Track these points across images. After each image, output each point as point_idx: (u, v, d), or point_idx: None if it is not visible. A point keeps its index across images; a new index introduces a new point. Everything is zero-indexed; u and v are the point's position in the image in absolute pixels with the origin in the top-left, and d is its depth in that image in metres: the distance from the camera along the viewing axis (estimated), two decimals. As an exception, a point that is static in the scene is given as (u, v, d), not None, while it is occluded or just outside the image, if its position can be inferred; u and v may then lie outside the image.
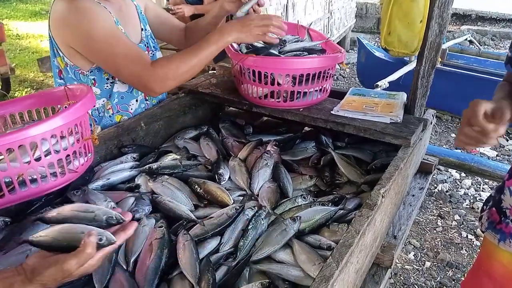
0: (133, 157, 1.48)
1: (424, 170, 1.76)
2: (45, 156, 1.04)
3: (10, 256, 1.02)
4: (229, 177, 1.42)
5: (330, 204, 1.28)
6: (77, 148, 1.12)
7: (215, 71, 2.08)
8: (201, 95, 1.82)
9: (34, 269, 0.76)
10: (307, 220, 1.20)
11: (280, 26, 1.41)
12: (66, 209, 0.97)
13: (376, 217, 1.10)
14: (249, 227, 1.15)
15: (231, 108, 2.06)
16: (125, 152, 1.52)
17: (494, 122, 0.96)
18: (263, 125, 1.94)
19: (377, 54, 5.39)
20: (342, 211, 1.26)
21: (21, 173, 1.02)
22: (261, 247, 1.12)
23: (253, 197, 1.33)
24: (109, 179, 1.34)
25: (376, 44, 7.13)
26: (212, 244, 1.12)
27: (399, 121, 1.48)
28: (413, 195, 1.62)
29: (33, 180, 1.04)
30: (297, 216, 1.19)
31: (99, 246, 0.81)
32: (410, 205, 1.56)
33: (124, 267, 1.04)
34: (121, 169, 1.40)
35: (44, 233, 0.87)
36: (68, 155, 1.09)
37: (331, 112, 1.55)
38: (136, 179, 1.38)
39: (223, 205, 1.26)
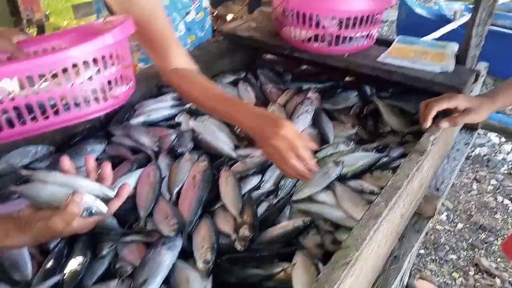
0: (173, 97, 1.47)
1: (470, 126, 1.68)
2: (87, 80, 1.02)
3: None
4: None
5: (373, 151, 1.25)
6: (119, 74, 1.09)
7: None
8: (239, 39, 1.77)
9: (26, 221, 0.74)
10: (350, 165, 1.18)
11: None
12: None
13: (424, 163, 1.06)
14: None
15: (268, 55, 2.00)
16: (165, 92, 1.51)
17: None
18: (302, 73, 1.88)
19: (419, 11, 5.12)
20: (386, 158, 1.22)
21: (65, 95, 1.01)
22: (302, 188, 1.11)
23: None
24: (150, 115, 1.35)
25: (417, 0, 6.76)
26: (253, 181, 1.11)
27: (450, 70, 1.40)
28: (458, 150, 1.55)
29: (77, 104, 1.03)
30: (339, 160, 1.16)
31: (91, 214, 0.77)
32: (454, 159, 1.50)
33: (167, 197, 1.05)
34: (161, 107, 1.40)
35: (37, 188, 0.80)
36: (110, 81, 1.07)
37: (378, 59, 1.48)
38: (176, 118, 1.38)
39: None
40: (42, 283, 0.86)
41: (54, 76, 1.00)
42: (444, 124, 1.14)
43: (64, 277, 0.88)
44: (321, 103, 1.52)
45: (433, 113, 1.13)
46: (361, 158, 1.20)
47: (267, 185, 1.11)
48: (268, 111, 1.10)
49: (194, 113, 1.37)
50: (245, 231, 0.94)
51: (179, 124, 1.32)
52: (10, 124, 0.93)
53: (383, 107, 1.46)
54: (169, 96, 1.47)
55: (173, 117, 1.39)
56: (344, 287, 0.73)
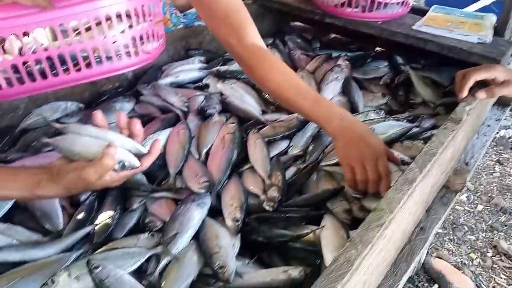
0: (200, 60, 1.46)
1: (502, 102, 1.63)
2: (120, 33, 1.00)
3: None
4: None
5: (404, 121, 1.22)
6: (151, 29, 1.07)
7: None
8: (269, 3, 1.73)
9: (58, 171, 0.75)
10: (380, 133, 1.15)
11: None
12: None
13: (459, 133, 1.03)
14: (319, 133, 1.11)
15: (296, 22, 1.96)
16: (192, 55, 1.49)
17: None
18: (331, 42, 1.83)
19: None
20: (417, 128, 1.19)
21: (97, 48, 0.99)
22: (330, 154, 1.09)
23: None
24: (178, 77, 1.34)
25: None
26: (281, 146, 1.10)
27: (488, 41, 1.35)
28: (489, 126, 1.51)
29: (108, 58, 1.02)
30: (369, 128, 1.14)
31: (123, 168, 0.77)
32: (485, 135, 1.46)
33: (196, 157, 1.05)
34: (189, 69, 1.39)
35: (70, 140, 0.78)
36: (142, 36, 1.06)
37: (412, 27, 1.43)
38: (204, 80, 1.36)
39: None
40: (73, 233, 0.88)
41: (87, 29, 0.99)
42: (482, 94, 1.10)
43: (95, 229, 0.89)
44: (351, 72, 1.49)
45: (471, 83, 1.09)
46: (392, 127, 1.17)
47: (295, 150, 1.10)
48: (351, 114, 1.01)
49: (221, 76, 1.36)
50: (273, 193, 0.94)
51: (207, 86, 1.31)
52: (43, 75, 0.94)
53: (416, 77, 1.42)
54: (196, 58, 1.46)
55: (200, 79, 1.38)
56: (377, 248, 0.72)
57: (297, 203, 0.96)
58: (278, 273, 0.81)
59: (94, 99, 1.27)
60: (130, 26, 1.02)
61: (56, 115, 1.18)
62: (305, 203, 0.97)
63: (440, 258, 2.31)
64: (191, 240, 0.85)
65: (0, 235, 0.87)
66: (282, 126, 1.14)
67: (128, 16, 1.00)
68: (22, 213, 0.96)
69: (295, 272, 0.81)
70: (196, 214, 0.88)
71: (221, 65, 1.45)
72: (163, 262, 0.80)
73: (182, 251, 0.82)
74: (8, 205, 0.95)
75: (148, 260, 0.82)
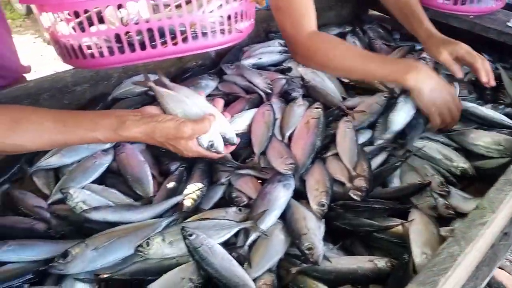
0: (280, 43, 1.46)
1: None
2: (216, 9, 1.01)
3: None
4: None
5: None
6: (244, 7, 1.08)
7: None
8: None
9: (154, 115, 0.77)
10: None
11: None
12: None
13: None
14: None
15: (374, 12, 1.90)
16: (272, 38, 1.49)
17: None
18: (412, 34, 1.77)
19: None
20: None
21: (195, 22, 1.01)
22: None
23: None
24: (260, 58, 1.35)
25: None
26: (364, 136, 1.09)
27: None
28: None
29: (204, 34, 1.03)
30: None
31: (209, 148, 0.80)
32: None
33: (279, 139, 1.06)
34: (270, 51, 1.40)
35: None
36: (236, 14, 1.06)
37: (508, 23, 1.35)
38: (285, 63, 1.37)
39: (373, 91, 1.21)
40: (165, 201, 0.91)
41: (179, 5, 1.00)
42: None
43: (184, 199, 0.93)
44: (435, 66, 1.43)
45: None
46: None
47: (379, 141, 1.08)
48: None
49: (302, 61, 1.35)
50: (361, 182, 0.93)
51: (289, 69, 1.31)
52: (142, 46, 0.97)
53: (506, 77, 1.34)
54: (276, 41, 1.46)
55: (280, 62, 1.39)
56: (477, 245, 0.70)
57: (381, 195, 0.95)
58: (364, 261, 0.81)
59: (179, 74, 1.31)
60: (227, 3, 1.03)
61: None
62: (389, 195, 0.96)
63: (502, 269, 2.21)
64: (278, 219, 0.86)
65: (97, 196, 0.93)
66: (366, 115, 1.12)
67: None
68: (114, 177, 1.02)
69: (381, 262, 0.80)
70: (282, 194, 0.89)
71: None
72: (252, 237, 0.82)
73: (269, 229, 0.84)
74: (102, 168, 1.01)
75: (235, 233, 0.85)
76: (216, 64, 1.35)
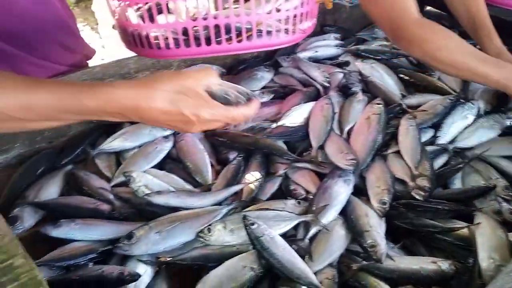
0: (336, 37, 1.44)
1: None
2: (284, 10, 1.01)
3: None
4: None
5: None
6: (310, 8, 1.08)
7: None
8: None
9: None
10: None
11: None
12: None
13: None
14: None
15: (429, 7, 1.84)
16: (327, 31, 1.47)
17: None
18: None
19: None
20: None
21: (261, 22, 1.01)
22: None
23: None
24: (316, 52, 1.34)
25: None
26: (427, 134, 1.06)
27: None
28: None
29: (268, 33, 1.04)
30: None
31: None
32: None
33: (339, 133, 1.05)
34: (326, 45, 1.38)
35: None
36: (302, 14, 1.06)
37: None
38: (341, 58, 1.35)
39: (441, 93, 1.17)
40: (225, 189, 0.93)
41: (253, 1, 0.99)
42: None
43: (243, 189, 0.93)
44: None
45: None
46: None
47: (442, 141, 1.04)
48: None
49: (359, 55, 1.33)
50: (424, 182, 0.91)
51: (346, 63, 1.29)
52: (207, 41, 0.98)
53: None
54: (332, 35, 1.44)
55: (336, 56, 1.37)
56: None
57: (443, 196, 0.92)
58: (427, 262, 0.79)
59: (234, 66, 1.32)
60: (294, 3, 1.01)
61: (202, 76, 1.24)
62: (451, 197, 0.93)
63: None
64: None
65: (158, 180, 0.95)
66: (428, 114, 1.09)
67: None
68: (173, 163, 1.04)
69: (445, 264, 0.78)
70: (343, 190, 0.88)
71: (357, 44, 1.42)
72: (313, 231, 0.82)
73: (330, 224, 0.83)
74: (163, 153, 1.03)
75: (294, 226, 0.84)
76: (270, 56, 1.35)
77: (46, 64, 1.07)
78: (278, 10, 1.01)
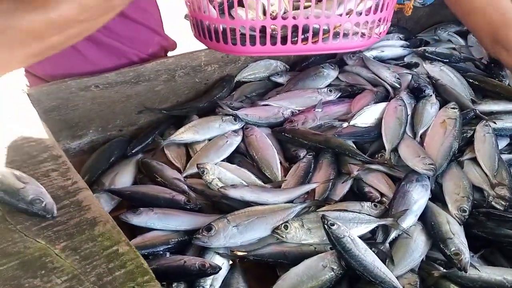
0: (400, 37, 1.41)
1: None
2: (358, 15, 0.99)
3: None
4: None
5: None
6: (388, 14, 1.05)
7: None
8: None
9: None
10: None
11: None
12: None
13: None
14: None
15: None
16: (390, 31, 1.45)
17: None
18: None
19: None
20: None
21: (339, 24, 0.99)
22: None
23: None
24: (382, 51, 1.31)
25: None
26: (501, 143, 1.03)
27: None
28: None
29: (345, 35, 1.02)
30: None
31: None
32: None
33: (411, 136, 1.03)
34: (392, 45, 1.35)
35: None
36: (380, 19, 1.03)
37: None
38: (406, 59, 1.32)
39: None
40: (298, 187, 0.93)
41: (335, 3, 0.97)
42: None
43: (315, 188, 0.93)
44: None
45: None
46: None
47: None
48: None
49: (426, 57, 1.30)
50: (504, 191, 0.88)
51: (416, 65, 1.26)
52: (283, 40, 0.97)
53: None
54: (396, 35, 1.41)
55: (402, 57, 1.34)
56: None
57: (522, 207, 0.90)
58: (510, 274, 0.77)
59: (298, 62, 1.31)
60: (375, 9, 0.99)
61: (267, 72, 1.25)
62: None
63: None
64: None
65: (230, 174, 0.96)
66: (505, 121, 1.06)
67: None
68: (241, 157, 1.05)
69: (529, 277, 0.76)
70: (422, 195, 0.86)
71: (423, 45, 1.40)
72: (393, 235, 0.81)
73: (410, 229, 0.82)
74: (233, 147, 1.04)
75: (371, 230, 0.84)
76: (334, 53, 1.33)
77: (127, 51, 1.08)
78: (358, 14, 0.99)
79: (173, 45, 1.22)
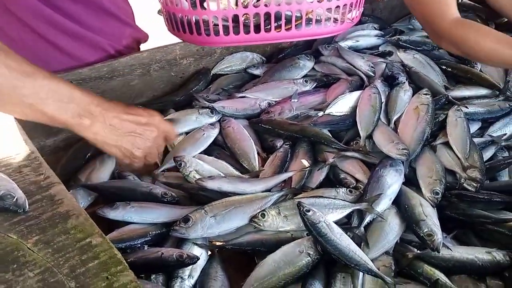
0: (374, 27, 1.43)
1: None
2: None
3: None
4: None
5: None
6: None
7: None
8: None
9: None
10: None
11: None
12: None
13: None
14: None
15: (465, 0, 1.82)
16: (364, 21, 1.46)
17: None
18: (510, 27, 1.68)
19: None
20: None
21: (310, 10, 1.01)
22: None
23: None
24: (357, 41, 1.33)
25: None
26: (474, 127, 1.05)
27: None
28: None
29: (317, 21, 1.03)
30: None
31: None
32: None
33: (385, 123, 1.05)
34: (366, 34, 1.37)
35: None
36: (352, 4, 1.04)
37: None
38: (381, 48, 1.34)
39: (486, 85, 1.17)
40: (275, 176, 0.93)
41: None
42: None
43: (292, 176, 0.94)
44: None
45: None
46: None
47: (493, 134, 1.04)
48: None
49: (400, 46, 1.32)
50: (475, 173, 0.91)
51: (390, 53, 1.28)
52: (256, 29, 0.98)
53: None
54: (371, 25, 1.43)
55: (376, 46, 1.36)
56: None
57: (493, 188, 0.92)
58: (481, 253, 0.79)
59: (275, 53, 1.32)
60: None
61: (244, 65, 1.25)
62: (500, 189, 0.92)
63: None
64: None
65: (208, 166, 0.96)
66: (477, 108, 1.08)
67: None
68: (219, 149, 1.05)
69: (499, 255, 0.79)
70: (395, 180, 0.88)
71: (396, 34, 1.42)
72: (368, 219, 0.82)
73: (384, 212, 0.84)
74: (210, 139, 1.04)
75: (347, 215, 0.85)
76: (310, 45, 1.35)
77: (101, 41, 1.08)
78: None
79: (145, 37, 1.22)
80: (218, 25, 0.95)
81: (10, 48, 0.69)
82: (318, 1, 0.96)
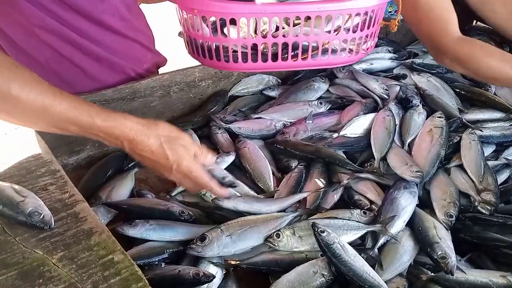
0: (388, 50, 1.45)
1: None
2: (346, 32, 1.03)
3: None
4: None
5: None
6: (376, 30, 1.08)
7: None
8: None
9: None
10: None
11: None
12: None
13: None
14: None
15: (479, 24, 1.83)
16: (378, 44, 1.49)
17: None
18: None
19: None
20: None
21: (327, 41, 1.03)
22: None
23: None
24: (371, 64, 1.35)
25: None
26: (488, 149, 1.06)
27: None
28: None
29: (333, 51, 1.05)
30: None
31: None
32: None
33: (399, 145, 1.06)
34: (381, 58, 1.40)
35: None
36: (367, 36, 1.07)
37: None
38: (395, 71, 1.36)
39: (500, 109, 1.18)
40: (290, 196, 0.95)
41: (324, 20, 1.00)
42: None
43: (306, 197, 0.96)
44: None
45: None
46: None
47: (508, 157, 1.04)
48: None
49: (414, 69, 1.34)
50: (489, 196, 0.91)
51: (404, 76, 1.30)
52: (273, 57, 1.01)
53: None
54: (385, 48, 1.46)
55: (391, 69, 1.38)
56: None
57: (508, 211, 0.92)
58: (496, 276, 0.79)
59: (290, 76, 1.35)
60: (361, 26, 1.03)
61: (260, 87, 1.29)
62: (513, 212, 0.93)
63: None
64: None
65: (224, 186, 0.98)
66: (492, 130, 1.09)
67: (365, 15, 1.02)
68: (235, 170, 1.07)
69: (514, 279, 0.78)
70: (409, 202, 0.89)
71: (408, 58, 1.44)
72: (382, 240, 0.83)
73: (398, 234, 0.85)
74: (225, 164, 1.06)
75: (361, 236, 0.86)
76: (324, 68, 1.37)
77: (125, 65, 1.13)
78: (346, 31, 1.03)
79: (164, 61, 1.26)
80: (237, 51, 0.99)
81: (36, 71, 0.71)
82: (335, 33, 1.00)
